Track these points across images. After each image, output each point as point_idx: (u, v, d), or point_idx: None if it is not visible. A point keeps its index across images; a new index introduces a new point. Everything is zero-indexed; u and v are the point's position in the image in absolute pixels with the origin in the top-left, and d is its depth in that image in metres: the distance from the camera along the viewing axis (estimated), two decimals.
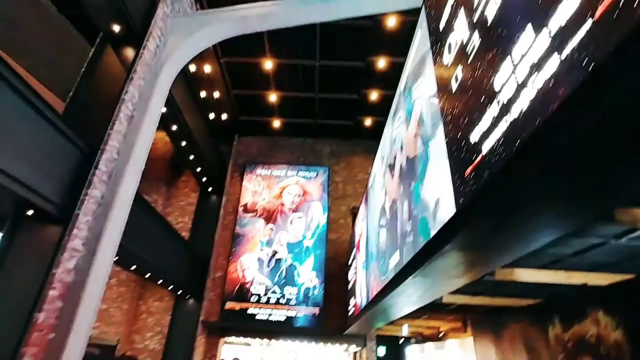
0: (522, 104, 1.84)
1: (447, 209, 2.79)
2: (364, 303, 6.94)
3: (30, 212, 5.26)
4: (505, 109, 2.01)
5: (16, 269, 5.14)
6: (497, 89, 2.11)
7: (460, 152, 2.61)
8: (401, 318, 7.78)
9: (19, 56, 11.18)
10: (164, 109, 9.54)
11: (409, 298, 5.11)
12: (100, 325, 10.83)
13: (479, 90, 2.38)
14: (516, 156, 1.89)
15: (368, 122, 14.12)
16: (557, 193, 2.06)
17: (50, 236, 5.38)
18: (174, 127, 10.64)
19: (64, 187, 5.54)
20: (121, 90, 6.68)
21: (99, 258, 5.66)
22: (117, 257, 7.57)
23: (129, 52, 7.35)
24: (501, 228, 2.59)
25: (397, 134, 4.98)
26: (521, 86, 1.86)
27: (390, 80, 11.53)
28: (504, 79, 2.03)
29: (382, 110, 12.45)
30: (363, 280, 7.30)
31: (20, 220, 5.40)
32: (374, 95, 12.79)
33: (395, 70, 10.82)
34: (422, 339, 10.05)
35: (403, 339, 10.94)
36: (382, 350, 11.58)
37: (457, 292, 5.13)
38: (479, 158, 2.29)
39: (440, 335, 8.48)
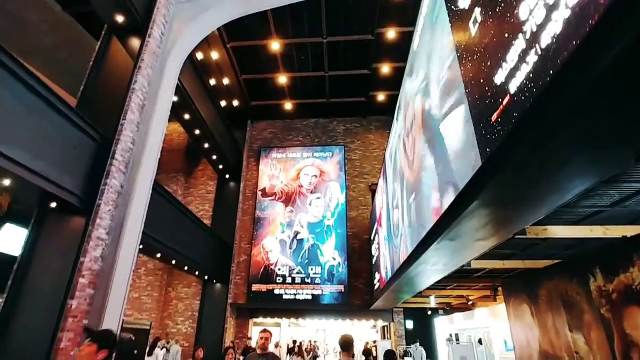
0: (553, 29, 1.65)
1: (472, 162, 2.62)
2: (390, 275, 6.87)
3: (53, 205, 5.35)
4: (533, 38, 1.82)
5: (46, 259, 5.29)
6: (522, 17, 1.91)
7: (484, 98, 2.43)
8: (428, 289, 7.71)
9: (29, 56, 11.39)
10: (175, 98, 9.54)
11: (435, 266, 4.99)
12: (134, 312, 11.23)
13: (502, 26, 2.17)
14: (548, 90, 1.71)
15: (381, 97, 13.76)
16: (595, 128, 1.87)
17: (75, 227, 5.49)
18: (187, 117, 10.63)
19: (83, 179, 5.61)
20: (130, 80, 6.66)
21: (123, 245, 5.76)
22: (141, 246, 7.76)
23: (135, 42, 7.28)
24: (532, 177, 2.42)
25: (416, 91, 4.76)
26: (552, 8, 1.66)
27: (401, 51, 11.13)
28: (532, 4, 1.83)
29: (394, 84, 12.10)
30: (387, 253, 7.21)
31: (45, 213, 5.52)
32: (385, 69, 12.40)
33: (406, 40, 10.38)
34: (450, 309, 9.97)
35: (430, 311, 10.89)
36: (409, 324, 11.59)
37: (486, 256, 4.99)
38: (506, 99, 2.11)
39: (470, 304, 8.37)
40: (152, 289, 11.74)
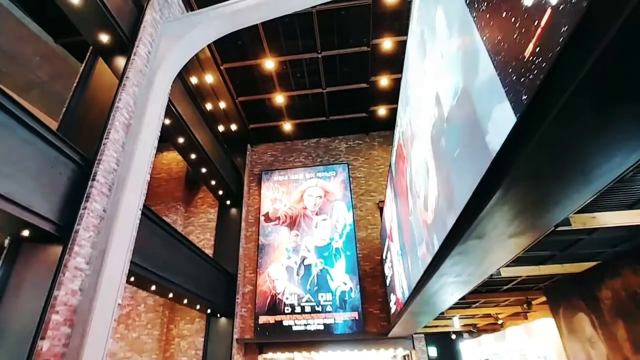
0: None
1: (501, 124, 2.04)
2: (407, 295, 6.11)
3: (26, 233, 4.81)
4: None
5: (17, 295, 4.69)
6: None
7: (508, 34, 1.88)
8: (450, 308, 6.89)
9: (24, 92, 11.30)
10: (167, 121, 9.22)
11: (459, 277, 4.29)
12: (133, 354, 10.41)
13: None
14: None
15: (382, 111, 13.38)
16: None
17: (51, 257, 4.92)
18: (184, 144, 10.24)
19: (61, 204, 5.11)
20: (114, 98, 6.30)
21: (106, 275, 5.16)
22: (132, 278, 7.14)
23: (121, 62, 7.00)
24: (583, 132, 1.82)
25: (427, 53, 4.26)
26: None
27: (399, 62, 10.81)
28: None
29: (395, 97, 11.70)
30: (401, 269, 6.48)
31: (18, 243, 4.98)
32: (384, 81, 12.09)
33: (403, 49, 10.09)
34: (476, 331, 9.00)
35: (455, 335, 9.89)
36: (433, 351, 10.55)
37: (518, 262, 4.28)
38: (545, 18, 1.56)
39: (500, 323, 7.46)
40: (152, 327, 10.95)
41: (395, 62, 11.15)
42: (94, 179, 5.45)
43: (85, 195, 5.32)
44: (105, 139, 5.84)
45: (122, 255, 5.64)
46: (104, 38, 6.83)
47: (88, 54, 7.17)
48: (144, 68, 7.09)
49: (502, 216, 2.69)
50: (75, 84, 6.69)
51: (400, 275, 6.67)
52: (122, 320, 11.04)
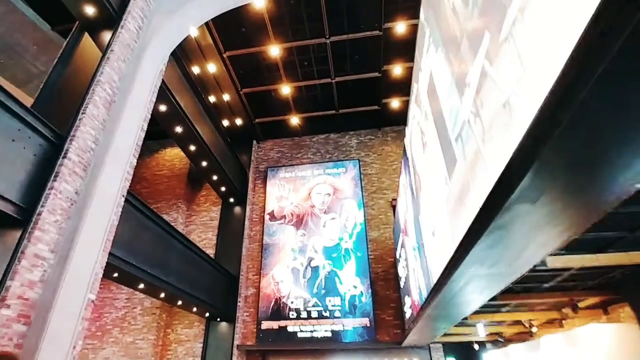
0: None
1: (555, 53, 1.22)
2: (424, 295, 5.22)
3: None
4: None
5: None
6: None
7: None
8: (475, 313, 5.94)
9: (22, 84, 10.92)
10: (162, 107, 8.61)
11: (491, 268, 3.41)
12: None
13: None
14: None
15: (395, 103, 12.55)
16: None
17: (8, 242, 4.24)
18: (183, 134, 9.61)
19: (25, 183, 4.46)
20: (96, 71, 5.69)
21: (74, 266, 4.46)
22: (116, 274, 6.44)
23: (108, 37, 6.41)
24: None
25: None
26: None
27: (414, 48, 10.03)
28: None
29: (409, 88, 10.90)
30: (418, 266, 5.59)
31: None
32: (397, 70, 11.27)
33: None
34: (504, 340, 7.95)
35: (478, 345, 8.83)
36: None
37: (569, 249, 3.38)
38: None
39: (534, 331, 6.43)
40: (148, 331, 10.23)
41: (410, 49, 10.31)
42: (65, 157, 4.80)
43: (54, 174, 4.66)
44: (82, 113, 5.21)
45: (97, 244, 4.94)
46: (90, 10, 6.26)
47: (73, 29, 6.60)
48: (133, 43, 6.49)
49: (551, 175, 1.86)
50: (56, 60, 6.10)
51: (417, 273, 5.78)
52: (117, 324, 10.38)
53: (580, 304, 4.83)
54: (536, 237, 2.71)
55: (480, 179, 2.58)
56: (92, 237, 4.86)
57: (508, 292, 4.65)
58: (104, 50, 5.99)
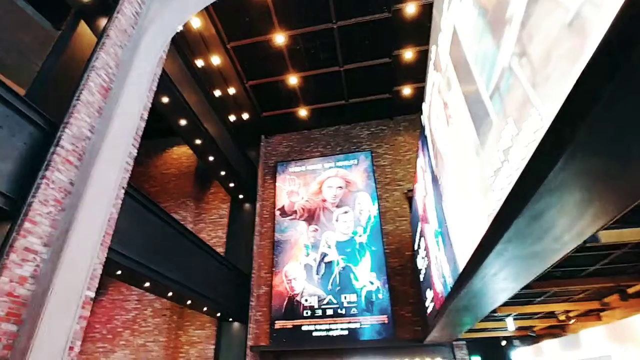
0: None
1: None
2: (450, 284, 4.74)
3: None
4: None
5: None
6: None
7: None
8: (505, 304, 5.43)
9: (25, 84, 10.78)
10: (165, 99, 8.32)
11: (534, 245, 2.93)
12: None
13: None
14: None
15: (407, 91, 12.04)
16: None
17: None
18: (187, 128, 9.34)
19: (16, 172, 4.16)
20: (91, 56, 5.39)
21: (68, 261, 4.13)
22: (119, 272, 6.13)
23: (104, 24, 6.12)
24: None
25: None
26: None
27: (426, 30, 9.52)
28: None
29: (422, 73, 10.38)
30: (441, 254, 5.11)
31: None
32: (408, 54, 10.78)
33: (430, 14, 8.82)
34: (534, 336, 7.37)
35: (505, 341, 8.24)
36: None
37: (626, 222, 2.89)
38: None
39: (570, 323, 5.87)
40: (159, 332, 9.97)
41: (421, 31, 9.81)
42: (57, 144, 4.48)
43: (46, 163, 4.36)
44: (76, 100, 4.90)
45: (94, 238, 4.61)
46: None
47: (68, 16, 6.33)
48: (130, 29, 6.18)
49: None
50: (50, 49, 5.83)
51: (440, 261, 5.30)
52: (127, 326, 10.14)
53: (630, 290, 4.29)
54: (594, 203, 2.24)
55: (526, 132, 2.11)
56: (89, 230, 4.53)
57: (544, 279, 4.15)
58: (100, 35, 5.69)
